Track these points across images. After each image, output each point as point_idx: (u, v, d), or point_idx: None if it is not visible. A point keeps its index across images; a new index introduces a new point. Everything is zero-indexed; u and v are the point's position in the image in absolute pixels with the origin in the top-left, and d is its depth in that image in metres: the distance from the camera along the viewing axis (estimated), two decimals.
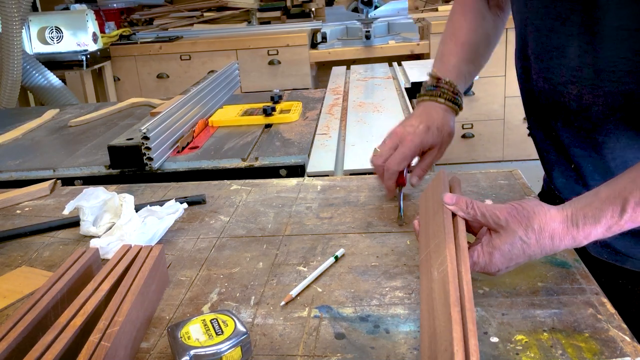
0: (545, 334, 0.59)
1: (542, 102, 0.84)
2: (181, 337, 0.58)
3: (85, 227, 0.91)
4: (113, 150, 1.25)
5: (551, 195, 0.91)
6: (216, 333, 0.58)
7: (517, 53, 0.89)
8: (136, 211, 0.89)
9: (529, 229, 0.62)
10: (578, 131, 0.80)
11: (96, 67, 3.23)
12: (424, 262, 0.67)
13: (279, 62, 3.36)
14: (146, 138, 1.21)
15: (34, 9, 3.43)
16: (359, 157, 1.24)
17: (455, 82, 0.94)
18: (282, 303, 0.69)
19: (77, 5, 3.46)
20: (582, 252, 0.77)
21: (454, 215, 0.68)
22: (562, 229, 0.62)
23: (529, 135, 0.95)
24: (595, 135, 0.78)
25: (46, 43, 3.11)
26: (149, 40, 3.49)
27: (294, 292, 0.70)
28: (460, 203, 0.68)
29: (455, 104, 0.94)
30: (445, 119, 0.92)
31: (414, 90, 1.99)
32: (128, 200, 0.90)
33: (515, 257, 0.63)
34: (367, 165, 1.19)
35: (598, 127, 0.77)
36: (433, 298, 0.59)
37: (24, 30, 2.91)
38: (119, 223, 0.87)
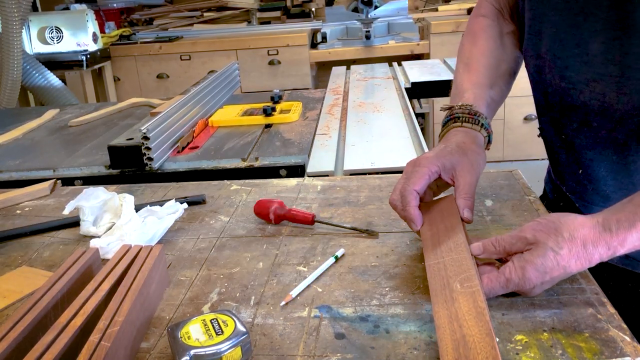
0: (545, 334, 0.59)
1: (556, 101, 0.81)
2: (181, 337, 0.58)
3: (85, 227, 0.91)
4: (113, 150, 1.25)
5: (554, 199, 0.90)
6: (216, 333, 0.58)
7: (529, 51, 0.85)
8: (136, 211, 0.89)
9: (559, 238, 0.60)
10: (597, 131, 0.77)
11: (96, 67, 3.24)
12: (436, 270, 0.67)
13: (279, 62, 3.36)
14: (146, 138, 1.21)
15: (34, 9, 3.43)
16: (359, 157, 1.24)
17: (470, 103, 0.83)
18: (282, 303, 0.69)
19: (77, 5, 3.46)
20: None
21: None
22: (594, 234, 0.59)
23: (539, 136, 0.91)
24: (616, 134, 0.75)
25: (46, 43, 3.11)
26: (149, 40, 3.49)
27: (294, 292, 0.70)
28: (488, 249, 0.65)
29: (477, 124, 0.81)
30: (467, 137, 0.79)
31: (414, 90, 2.00)
32: (128, 200, 0.90)
33: (549, 269, 0.60)
34: (367, 165, 1.19)
35: (619, 126, 0.74)
36: (458, 308, 0.59)
37: (24, 30, 2.91)
38: (119, 223, 0.87)
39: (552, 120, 0.85)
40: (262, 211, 0.90)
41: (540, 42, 0.80)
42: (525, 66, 0.88)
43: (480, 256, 0.66)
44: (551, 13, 0.76)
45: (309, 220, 0.87)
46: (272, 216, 0.89)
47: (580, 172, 0.83)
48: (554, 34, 0.77)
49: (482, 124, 0.81)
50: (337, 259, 0.78)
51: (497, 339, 0.59)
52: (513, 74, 0.92)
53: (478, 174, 0.76)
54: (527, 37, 0.84)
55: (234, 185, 1.09)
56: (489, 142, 0.83)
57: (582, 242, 0.60)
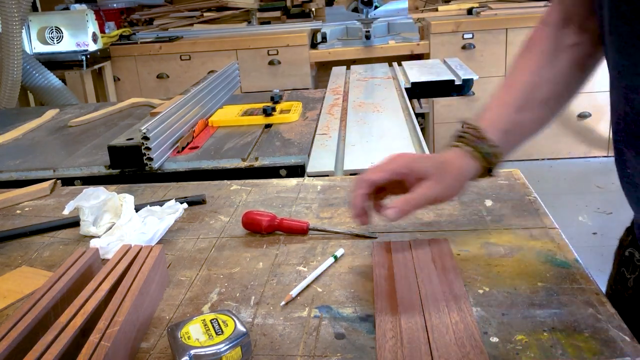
0: (545, 334, 0.59)
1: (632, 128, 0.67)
2: (181, 337, 0.58)
3: (85, 227, 0.91)
4: (113, 150, 1.25)
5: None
6: (216, 333, 0.58)
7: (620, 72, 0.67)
8: (136, 211, 0.89)
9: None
10: None
11: (96, 67, 3.24)
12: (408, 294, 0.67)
13: (279, 62, 3.36)
14: (146, 138, 1.21)
15: (34, 9, 3.43)
16: (359, 157, 1.24)
17: (484, 128, 0.75)
18: (282, 303, 0.69)
19: (77, 5, 3.46)
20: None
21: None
22: None
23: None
24: None
25: (46, 43, 3.11)
26: (149, 40, 3.49)
27: (294, 292, 0.70)
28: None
29: (478, 152, 0.74)
30: (458, 159, 0.74)
31: (414, 90, 2.00)
32: (128, 200, 0.90)
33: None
34: (367, 165, 1.19)
35: None
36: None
37: (24, 30, 2.91)
38: (119, 223, 0.87)
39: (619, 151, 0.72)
40: (251, 228, 0.88)
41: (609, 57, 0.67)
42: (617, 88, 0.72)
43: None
44: (619, 22, 0.63)
45: (304, 230, 0.86)
46: (263, 231, 0.87)
47: None
48: (622, 47, 0.63)
49: (484, 152, 0.74)
50: (336, 259, 0.78)
51: (497, 339, 0.59)
52: (561, 96, 0.79)
53: (443, 198, 0.73)
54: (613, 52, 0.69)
55: (234, 185, 1.09)
56: (490, 172, 0.76)
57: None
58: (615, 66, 0.66)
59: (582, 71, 0.79)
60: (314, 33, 3.47)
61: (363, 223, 0.74)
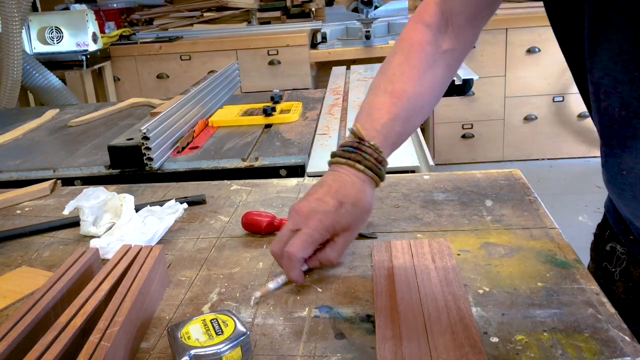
0: (545, 334, 0.59)
1: (615, 132, 0.66)
2: (181, 337, 0.58)
3: (85, 227, 0.91)
4: (113, 150, 1.25)
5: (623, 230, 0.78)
6: (216, 333, 0.58)
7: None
8: (136, 211, 0.89)
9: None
10: None
11: (96, 67, 3.24)
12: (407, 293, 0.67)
13: (279, 62, 3.36)
14: (146, 138, 1.21)
15: (34, 9, 3.43)
16: None
17: (381, 147, 0.74)
18: (257, 294, 0.70)
19: (77, 5, 3.46)
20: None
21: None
22: None
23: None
24: None
25: (46, 43, 3.11)
26: (149, 40, 3.49)
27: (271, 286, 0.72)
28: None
29: (377, 175, 0.74)
30: (363, 192, 0.73)
31: None
32: (128, 200, 0.90)
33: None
34: None
35: None
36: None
37: (24, 30, 2.91)
38: (119, 223, 0.87)
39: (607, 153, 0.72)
40: (251, 228, 0.88)
41: (594, 64, 0.64)
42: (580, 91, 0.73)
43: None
44: (611, 31, 0.60)
45: None
46: (263, 232, 0.87)
47: None
48: (616, 54, 0.61)
49: (381, 175, 0.75)
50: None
51: (497, 339, 0.59)
52: (435, 102, 0.81)
53: (357, 232, 0.74)
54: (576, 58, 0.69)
55: (234, 185, 1.09)
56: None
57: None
58: (607, 74, 0.63)
59: (450, 75, 0.81)
60: (314, 33, 3.47)
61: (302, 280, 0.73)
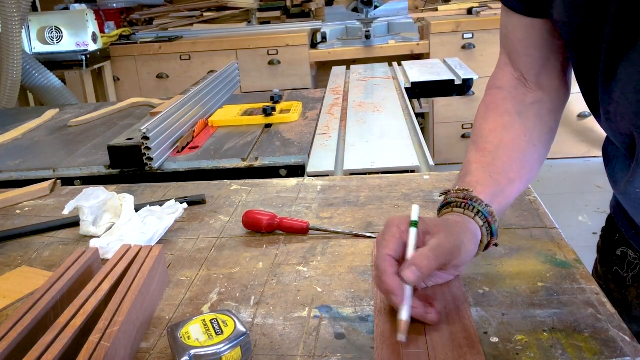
0: (545, 334, 0.59)
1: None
2: (181, 337, 0.58)
3: (85, 227, 0.91)
4: (113, 150, 1.25)
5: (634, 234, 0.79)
6: (216, 333, 0.58)
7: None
8: (136, 211, 0.89)
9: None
10: None
11: (96, 67, 3.24)
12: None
13: (279, 62, 3.36)
14: (146, 138, 1.21)
15: (34, 9, 3.43)
16: (359, 157, 1.24)
17: (467, 188, 0.69)
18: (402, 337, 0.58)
19: (77, 5, 3.46)
20: None
21: None
22: None
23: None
24: None
25: (46, 43, 3.11)
26: (148, 40, 3.49)
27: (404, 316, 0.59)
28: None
29: (471, 210, 0.67)
30: (459, 218, 0.67)
31: (414, 90, 2.00)
32: (128, 200, 0.90)
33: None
34: (367, 165, 1.19)
35: None
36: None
37: (23, 30, 2.91)
38: (119, 223, 0.87)
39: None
40: (252, 227, 0.88)
41: (610, 86, 0.64)
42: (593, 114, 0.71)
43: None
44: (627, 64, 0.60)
45: (304, 230, 0.86)
46: (263, 230, 0.87)
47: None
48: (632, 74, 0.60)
49: (478, 211, 0.67)
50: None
51: (497, 339, 0.59)
52: (539, 145, 0.75)
53: (459, 253, 0.62)
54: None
55: (234, 185, 1.09)
56: (492, 235, 0.67)
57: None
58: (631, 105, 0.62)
59: (551, 124, 0.77)
60: (314, 33, 3.47)
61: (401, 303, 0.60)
